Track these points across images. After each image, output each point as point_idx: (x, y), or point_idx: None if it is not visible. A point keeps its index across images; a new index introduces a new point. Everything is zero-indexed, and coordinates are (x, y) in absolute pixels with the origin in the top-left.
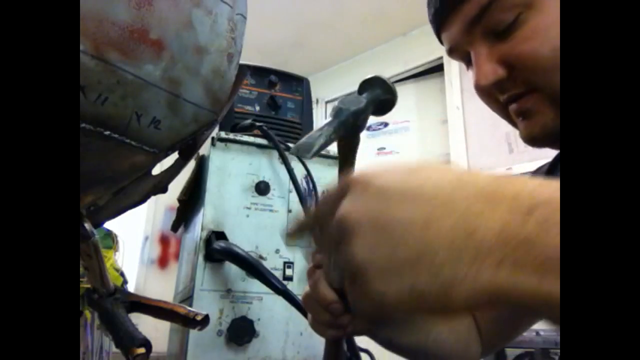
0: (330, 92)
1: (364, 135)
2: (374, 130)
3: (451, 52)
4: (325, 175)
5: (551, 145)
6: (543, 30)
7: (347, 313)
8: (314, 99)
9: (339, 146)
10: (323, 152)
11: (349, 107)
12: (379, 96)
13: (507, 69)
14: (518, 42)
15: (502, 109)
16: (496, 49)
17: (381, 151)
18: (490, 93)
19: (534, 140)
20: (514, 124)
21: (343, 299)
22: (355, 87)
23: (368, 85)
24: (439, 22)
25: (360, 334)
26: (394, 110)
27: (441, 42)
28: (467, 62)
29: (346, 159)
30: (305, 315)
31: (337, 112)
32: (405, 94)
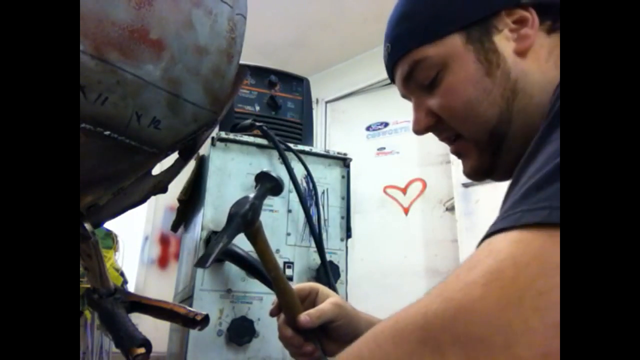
0: (330, 92)
1: (364, 135)
2: (374, 130)
3: (403, 97)
4: (325, 175)
5: (486, 178)
6: (454, 88)
7: (306, 343)
8: (314, 99)
9: (245, 235)
10: (323, 152)
11: (238, 212)
12: (267, 187)
13: (435, 118)
14: (439, 96)
15: (447, 142)
16: (426, 100)
17: (381, 151)
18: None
19: (469, 176)
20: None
21: (300, 333)
22: (355, 87)
23: (257, 179)
24: (389, 76)
25: (331, 355)
26: (394, 110)
27: None
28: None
29: (254, 241)
30: None
31: (228, 218)
32: None
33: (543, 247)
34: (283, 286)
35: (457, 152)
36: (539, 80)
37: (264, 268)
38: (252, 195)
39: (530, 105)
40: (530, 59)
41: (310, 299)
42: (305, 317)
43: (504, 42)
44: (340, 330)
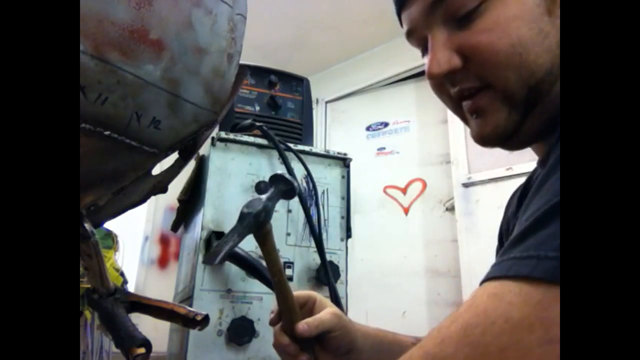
0: (330, 92)
1: (364, 135)
2: (374, 130)
3: (409, 35)
4: (325, 175)
5: (501, 145)
6: (503, 24)
7: (302, 352)
8: (314, 99)
9: (254, 237)
10: (323, 152)
11: (251, 211)
12: (282, 188)
13: (462, 60)
14: (477, 32)
15: (453, 104)
16: (454, 36)
17: (381, 151)
18: (441, 84)
19: (484, 140)
20: (465, 120)
21: (296, 342)
22: (355, 87)
23: (272, 181)
24: (401, 0)
25: None
26: (394, 110)
27: (401, 24)
28: (424, 48)
29: (263, 243)
30: None
31: (240, 217)
32: (405, 94)
33: (511, 303)
34: (285, 292)
35: (476, 109)
36: None
37: (268, 272)
38: (264, 196)
39: None
40: None
41: (308, 308)
42: (303, 325)
43: None
44: (336, 341)
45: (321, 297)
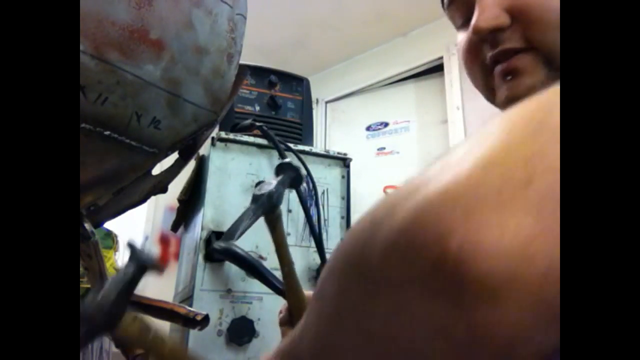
0: (330, 92)
1: (364, 135)
2: (373, 130)
3: (451, 2)
4: (325, 175)
5: None
6: None
7: None
8: (314, 99)
9: (265, 219)
10: (323, 152)
11: (264, 192)
12: (290, 176)
13: (509, 18)
14: None
15: (483, 71)
16: None
17: (381, 151)
18: (477, 49)
19: (516, 99)
20: (489, 90)
21: None
22: (355, 87)
23: (279, 170)
24: None
25: None
26: (394, 110)
27: None
28: (465, 18)
29: (274, 228)
30: None
31: (253, 199)
32: (405, 94)
33: None
34: (294, 284)
35: (513, 70)
36: None
37: (278, 260)
38: (275, 180)
39: None
40: None
41: None
42: None
43: None
44: None
45: None
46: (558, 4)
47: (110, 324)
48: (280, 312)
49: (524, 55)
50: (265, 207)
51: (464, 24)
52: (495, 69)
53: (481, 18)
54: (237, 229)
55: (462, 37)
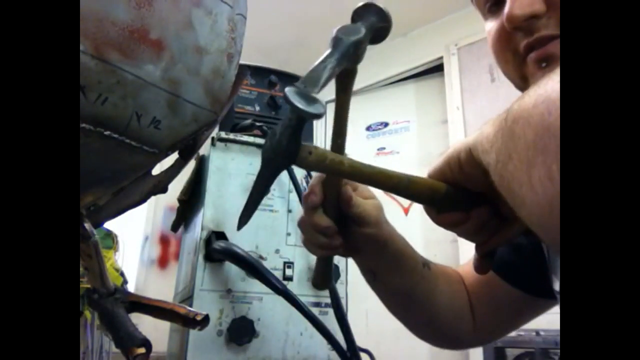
0: (330, 92)
1: (364, 135)
2: (373, 130)
3: None
4: None
5: None
6: None
7: (337, 235)
8: None
9: (337, 78)
10: None
11: (349, 37)
12: (374, 24)
13: (545, 6)
14: None
15: (516, 60)
16: None
17: (381, 151)
18: (509, 37)
19: None
20: (521, 79)
21: (336, 224)
22: (355, 87)
23: (363, 12)
24: None
25: (347, 255)
26: (394, 110)
27: None
28: (492, 1)
29: (345, 88)
30: (305, 315)
31: (337, 43)
32: (405, 94)
33: None
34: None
35: (549, 56)
36: None
37: (335, 127)
38: (361, 24)
39: None
40: None
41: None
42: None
43: None
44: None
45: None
46: None
47: (290, 159)
48: (311, 192)
49: (557, 42)
50: (350, 58)
51: (491, 8)
52: (528, 57)
53: (516, 5)
54: (319, 78)
55: (491, 25)
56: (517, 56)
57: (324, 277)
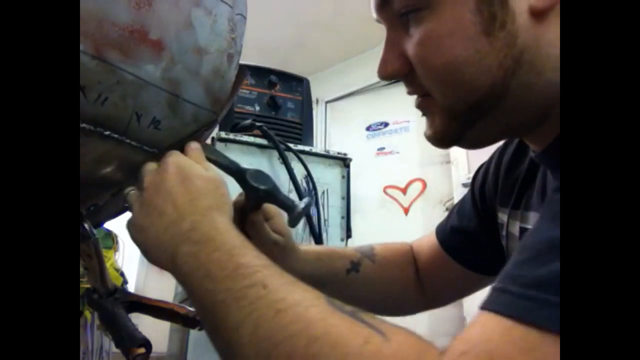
0: (330, 92)
1: (364, 135)
2: (374, 130)
3: (378, 22)
4: (325, 175)
5: (448, 147)
6: (436, 40)
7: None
8: (314, 99)
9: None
10: (323, 152)
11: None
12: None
13: (408, 65)
14: (415, 43)
15: None
16: (402, 38)
17: (381, 151)
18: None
19: (428, 139)
20: None
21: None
22: (355, 87)
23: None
24: None
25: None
26: (394, 110)
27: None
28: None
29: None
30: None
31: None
32: (405, 94)
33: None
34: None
35: (423, 109)
36: (554, 55)
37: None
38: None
39: (538, 84)
40: (549, 24)
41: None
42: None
43: None
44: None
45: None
46: (439, 62)
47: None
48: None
49: (428, 98)
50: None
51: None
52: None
53: (380, 66)
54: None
55: None
56: (412, 93)
57: None
